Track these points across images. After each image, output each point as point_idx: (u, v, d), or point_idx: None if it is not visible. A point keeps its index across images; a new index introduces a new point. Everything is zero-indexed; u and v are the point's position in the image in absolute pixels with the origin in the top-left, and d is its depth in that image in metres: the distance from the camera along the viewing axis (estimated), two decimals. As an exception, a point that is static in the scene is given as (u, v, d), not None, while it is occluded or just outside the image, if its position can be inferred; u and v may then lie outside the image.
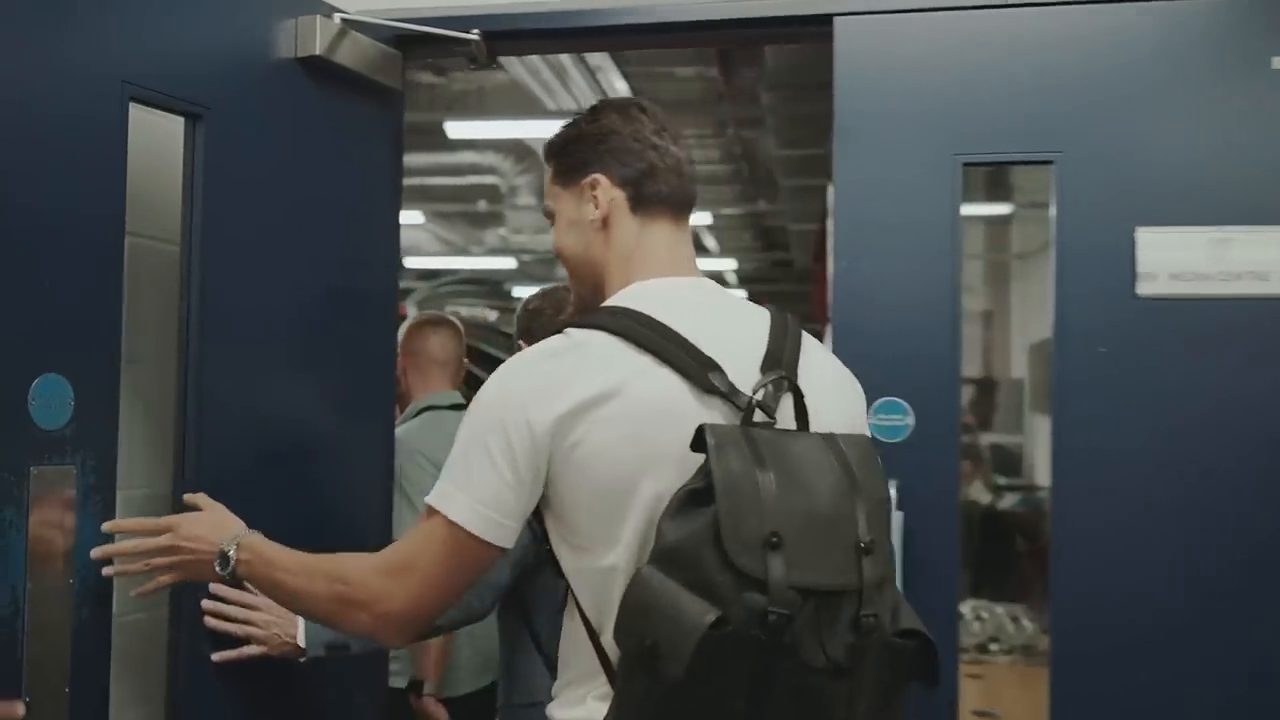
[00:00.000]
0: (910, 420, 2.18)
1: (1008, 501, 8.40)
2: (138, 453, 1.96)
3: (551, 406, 1.29)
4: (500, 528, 1.32)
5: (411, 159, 10.10)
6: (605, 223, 1.46)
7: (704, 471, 1.20)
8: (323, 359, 2.20)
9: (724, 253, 13.71)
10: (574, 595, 1.35)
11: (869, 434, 1.52)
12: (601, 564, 1.31)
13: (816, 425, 1.32)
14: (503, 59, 4.76)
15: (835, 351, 1.70)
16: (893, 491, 1.96)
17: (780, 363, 1.33)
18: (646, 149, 1.46)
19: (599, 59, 6.61)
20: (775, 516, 1.18)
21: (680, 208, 1.49)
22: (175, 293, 1.92)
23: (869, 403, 1.65)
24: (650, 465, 1.28)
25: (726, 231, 13.39)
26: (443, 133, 6.73)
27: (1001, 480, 10.07)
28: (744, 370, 1.31)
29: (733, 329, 1.38)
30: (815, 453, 1.26)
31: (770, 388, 1.30)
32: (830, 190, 2.34)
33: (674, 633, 1.14)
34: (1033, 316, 8.20)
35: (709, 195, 11.13)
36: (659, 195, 1.46)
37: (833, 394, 1.41)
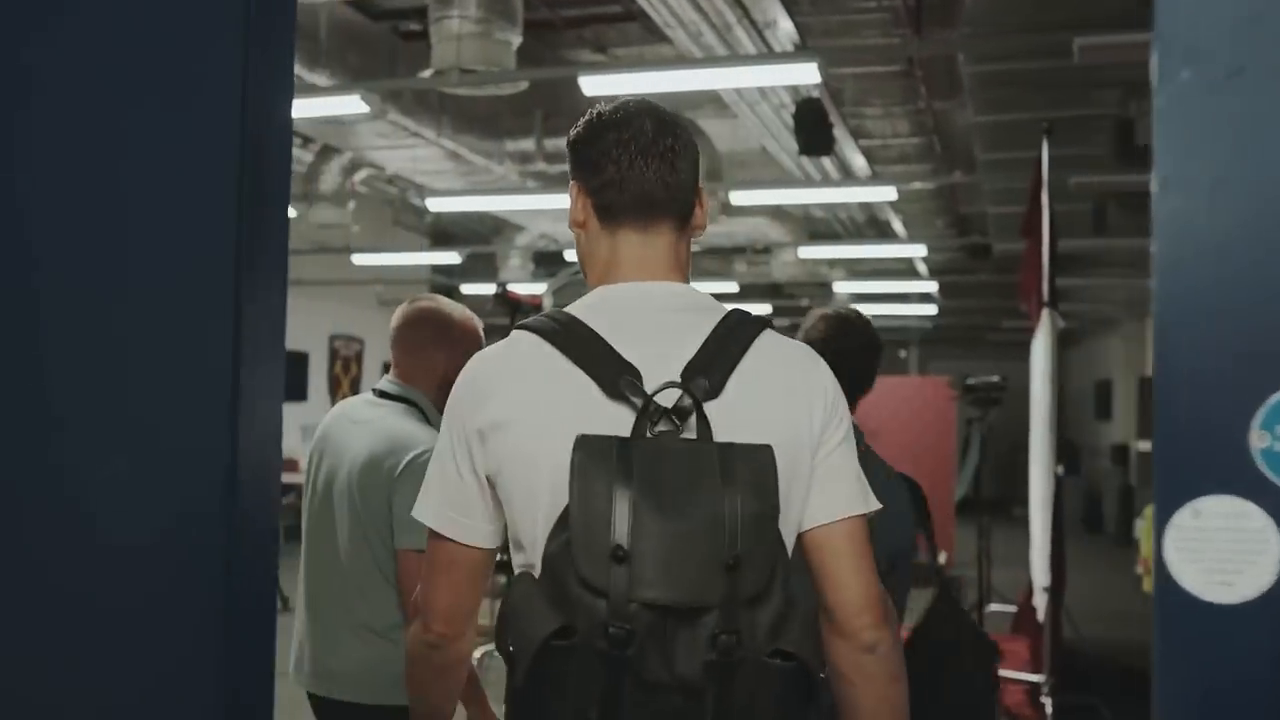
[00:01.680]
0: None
1: None
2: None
3: (476, 412, 1.38)
4: (464, 527, 1.41)
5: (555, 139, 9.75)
6: (579, 226, 1.53)
7: None
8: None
9: (912, 238, 12.52)
10: None
11: (834, 442, 1.44)
12: (526, 556, 1.36)
13: (732, 434, 1.30)
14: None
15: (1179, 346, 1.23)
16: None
17: (703, 369, 1.34)
18: (607, 163, 1.47)
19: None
20: (626, 532, 1.19)
21: (645, 218, 1.48)
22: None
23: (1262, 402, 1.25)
24: (550, 472, 1.31)
25: (914, 216, 12.26)
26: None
27: None
28: (668, 376, 1.33)
29: (671, 335, 1.39)
30: (697, 465, 1.25)
31: (682, 394, 1.31)
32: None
33: (522, 640, 1.21)
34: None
35: (896, 171, 10.08)
36: (620, 205, 1.48)
37: (769, 402, 1.39)
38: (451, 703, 1.57)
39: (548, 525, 1.28)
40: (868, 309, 16.63)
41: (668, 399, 1.30)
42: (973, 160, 9.27)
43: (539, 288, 10.42)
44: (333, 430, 2.51)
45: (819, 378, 1.45)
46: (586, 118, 1.51)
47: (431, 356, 2.49)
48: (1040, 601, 5.01)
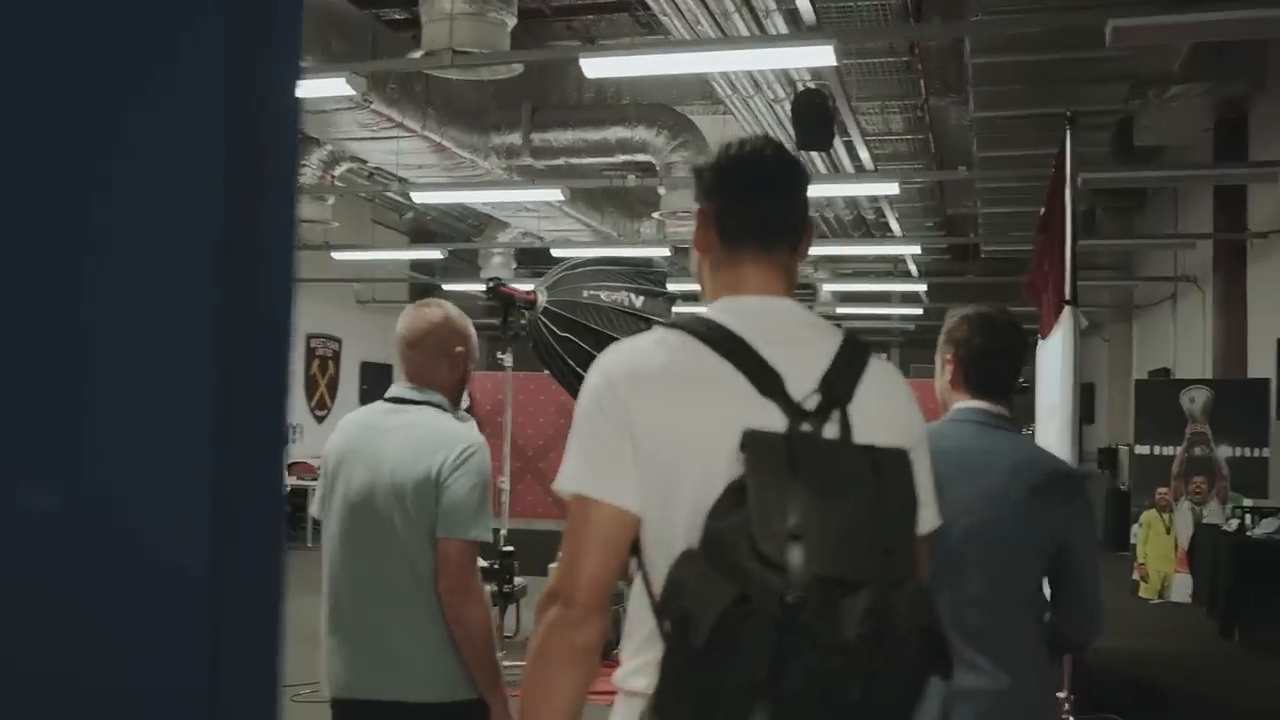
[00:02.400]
0: None
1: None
2: None
3: (633, 392, 1.47)
4: (620, 490, 1.45)
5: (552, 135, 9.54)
6: (704, 248, 1.64)
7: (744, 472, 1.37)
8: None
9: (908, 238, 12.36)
10: (643, 569, 1.47)
11: (924, 459, 1.58)
12: (656, 534, 1.45)
13: (861, 439, 1.44)
14: None
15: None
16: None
17: (836, 381, 1.47)
18: (731, 188, 1.61)
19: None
20: (800, 516, 1.32)
21: (766, 243, 1.60)
22: None
23: None
24: (704, 450, 1.41)
25: (904, 215, 12.09)
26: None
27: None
28: (803, 384, 1.46)
29: (802, 346, 1.52)
30: (850, 462, 1.41)
31: (821, 401, 1.45)
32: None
33: (701, 606, 1.31)
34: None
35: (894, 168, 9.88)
36: (743, 234, 1.60)
37: (885, 413, 1.51)
38: (583, 698, 1.52)
39: (696, 504, 1.39)
40: (851, 309, 16.57)
41: (809, 402, 1.46)
42: (970, 158, 9.08)
43: (526, 286, 10.14)
44: (358, 442, 2.54)
45: (911, 398, 1.62)
46: (719, 150, 1.66)
47: (444, 361, 2.57)
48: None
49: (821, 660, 1.30)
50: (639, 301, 5.60)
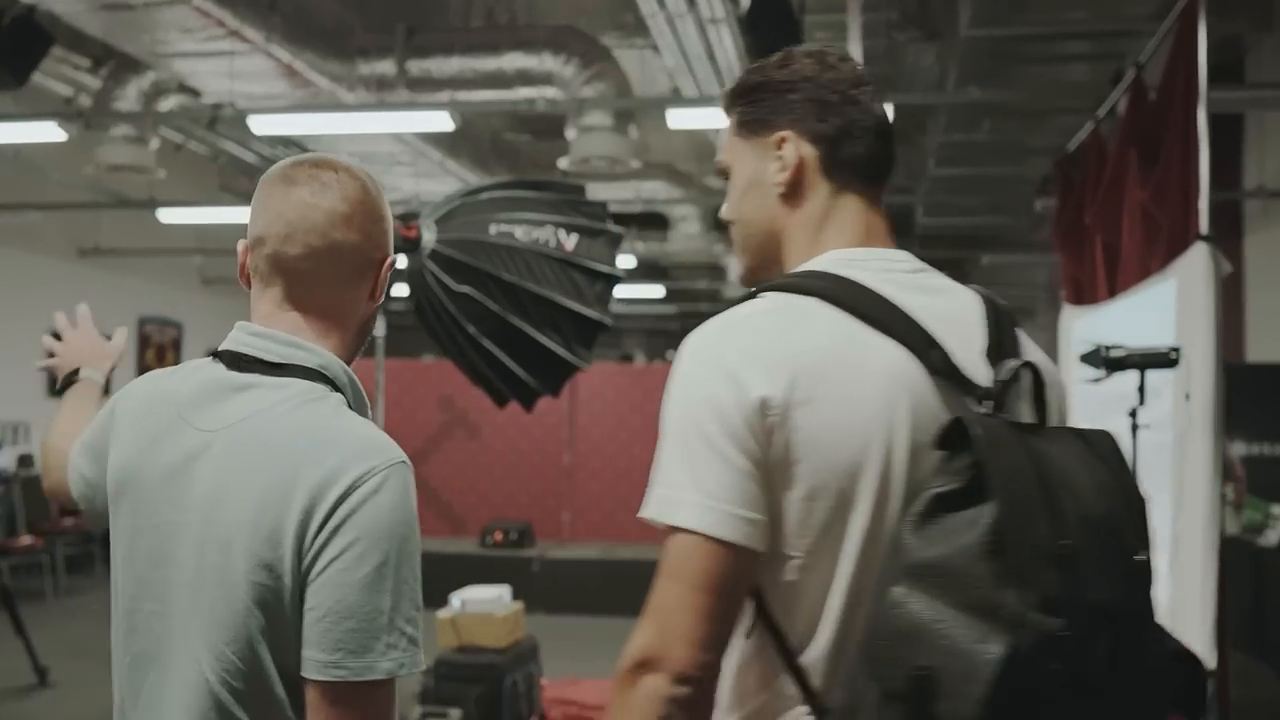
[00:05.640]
0: None
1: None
2: None
3: (763, 375, 1.14)
4: (747, 524, 1.12)
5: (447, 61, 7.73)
6: (792, 186, 1.30)
7: (959, 470, 1.07)
8: None
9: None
10: (763, 607, 1.17)
11: None
12: (810, 570, 1.15)
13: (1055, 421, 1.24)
14: None
15: None
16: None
17: (1004, 351, 1.21)
18: (845, 103, 1.29)
19: None
20: (1062, 524, 1.05)
21: (877, 174, 1.32)
22: None
23: None
24: (878, 452, 1.14)
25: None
26: None
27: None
28: (963, 355, 1.19)
29: (944, 308, 1.23)
30: (1071, 451, 1.12)
31: (997, 377, 1.17)
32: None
33: (957, 665, 1.01)
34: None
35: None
36: (856, 158, 1.30)
37: (1054, 389, 1.26)
38: None
39: (870, 524, 1.13)
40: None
41: (985, 378, 1.18)
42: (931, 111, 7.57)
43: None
44: (154, 446, 1.34)
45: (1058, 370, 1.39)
46: (793, 55, 1.32)
47: (356, 283, 1.41)
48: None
49: (1092, 705, 1.04)
50: (571, 242, 3.85)
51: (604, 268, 3.89)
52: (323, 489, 1.20)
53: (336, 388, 1.31)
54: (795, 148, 1.29)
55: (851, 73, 1.30)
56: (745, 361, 1.14)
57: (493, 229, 3.79)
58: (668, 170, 10.56)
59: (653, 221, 12.50)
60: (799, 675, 1.15)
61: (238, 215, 10.41)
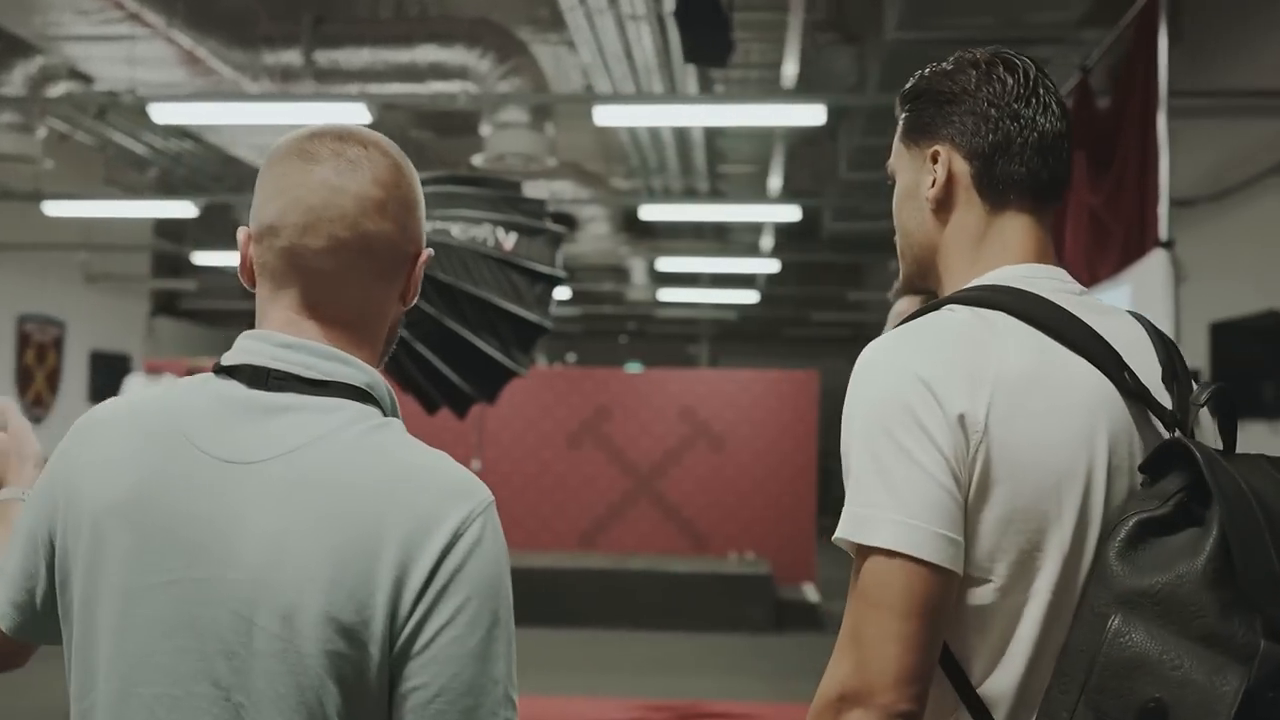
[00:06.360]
0: None
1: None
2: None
3: (961, 390, 1.09)
4: (953, 547, 1.07)
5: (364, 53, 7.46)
6: (943, 203, 1.27)
7: (1165, 494, 1.06)
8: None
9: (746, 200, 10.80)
10: (952, 646, 1.13)
11: None
12: (1004, 596, 1.10)
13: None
14: None
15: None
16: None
17: (1177, 375, 1.19)
18: (1004, 118, 1.23)
19: None
20: None
21: (1040, 192, 1.25)
22: None
23: None
24: (1080, 473, 1.11)
25: (753, 177, 10.53)
26: None
27: None
28: (1146, 377, 1.17)
29: (1117, 328, 1.20)
30: (1271, 476, 1.08)
31: (1176, 399, 1.17)
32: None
33: (1193, 698, 0.98)
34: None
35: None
36: (1012, 175, 1.24)
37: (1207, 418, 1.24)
38: None
39: (1072, 549, 1.09)
40: (672, 294, 15.00)
41: (1168, 399, 1.18)
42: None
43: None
44: (162, 491, 1.06)
45: None
46: (959, 61, 1.27)
47: (390, 279, 1.20)
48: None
49: None
50: (510, 241, 3.67)
51: (544, 268, 3.71)
52: (419, 540, 1.01)
53: (383, 410, 1.11)
54: (947, 163, 1.26)
55: (1018, 84, 1.25)
56: (941, 374, 1.10)
57: (427, 226, 3.59)
58: (576, 170, 10.38)
59: (560, 221, 12.30)
60: (978, 708, 1.11)
61: (126, 209, 9.95)
